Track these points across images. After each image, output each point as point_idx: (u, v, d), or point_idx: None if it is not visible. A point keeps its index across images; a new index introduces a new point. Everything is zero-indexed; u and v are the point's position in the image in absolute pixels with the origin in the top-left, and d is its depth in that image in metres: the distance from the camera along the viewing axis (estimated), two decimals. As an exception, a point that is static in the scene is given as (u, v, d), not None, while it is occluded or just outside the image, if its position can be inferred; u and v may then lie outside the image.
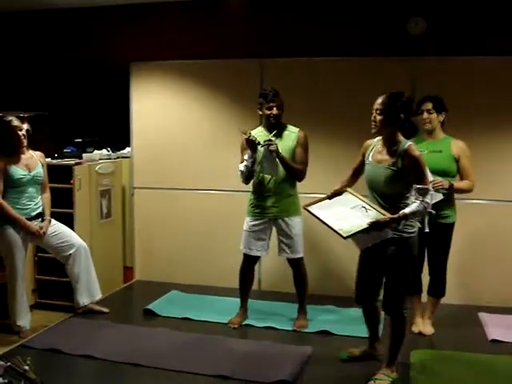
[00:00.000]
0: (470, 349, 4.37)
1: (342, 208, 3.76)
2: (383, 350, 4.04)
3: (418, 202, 3.53)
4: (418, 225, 3.78)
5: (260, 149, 4.58)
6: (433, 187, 4.24)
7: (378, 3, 5.40)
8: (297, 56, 5.57)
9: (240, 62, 5.72)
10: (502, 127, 5.27)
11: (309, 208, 3.88)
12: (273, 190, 4.66)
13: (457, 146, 4.52)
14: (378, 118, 3.61)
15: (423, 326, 4.71)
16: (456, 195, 4.57)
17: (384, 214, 3.55)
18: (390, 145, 3.66)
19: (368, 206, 3.67)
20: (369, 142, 3.88)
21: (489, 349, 4.40)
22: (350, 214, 3.69)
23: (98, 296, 5.11)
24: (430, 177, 4.28)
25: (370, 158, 3.76)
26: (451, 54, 5.26)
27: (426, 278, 4.70)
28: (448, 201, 4.47)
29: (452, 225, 4.57)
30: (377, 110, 3.61)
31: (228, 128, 5.74)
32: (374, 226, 3.51)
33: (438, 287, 4.67)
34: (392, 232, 3.60)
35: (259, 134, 4.73)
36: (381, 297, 3.90)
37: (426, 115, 4.50)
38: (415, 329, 4.71)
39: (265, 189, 4.68)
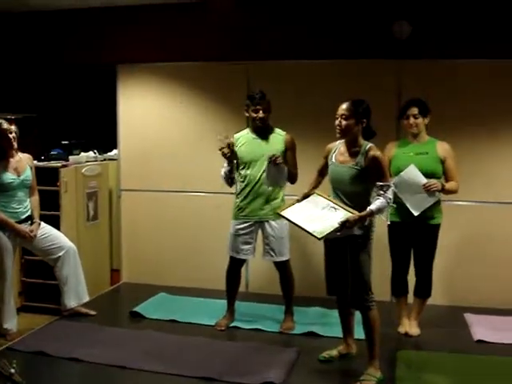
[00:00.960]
0: (455, 349, 4.40)
1: (313, 210, 3.87)
2: (359, 347, 4.17)
3: (382, 198, 3.74)
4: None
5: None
6: (428, 189, 4.37)
7: (363, 7, 5.43)
8: (283, 59, 5.58)
9: (227, 64, 5.73)
10: (488, 129, 5.31)
11: (282, 213, 4.00)
12: (259, 192, 4.67)
13: (442, 148, 4.56)
14: (344, 123, 3.83)
15: (409, 326, 4.72)
16: (442, 197, 4.60)
17: (352, 213, 3.71)
18: (352, 147, 3.88)
19: (336, 206, 3.81)
20: (330, 145, 4.09)
21: (474, 349, 4.43)
22: (321, 215, 3.81)
23: (86, 299, 5.09)
24: (424, 179, 4.35)
25: (334, 160, 3.96)
26: (436, 57, 5.30)
27: (412, 279, 4.72)
28: (435, 202, 4.51)
29: (438, 226, 4.60)
30: (342, 115, 3.83)
31: (215, 130, 5.69)
32: (345, 224, 3.67)
33: (424, 288, 4.69)
34: (358, 229, 3.79)
35: (245, 136, 4.76)
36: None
37: (412, 120, 4.54)
38: (401, 329, 4.73)
39: (251, 191, 4.69)
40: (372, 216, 3.76)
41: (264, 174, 4.60)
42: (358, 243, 3.81)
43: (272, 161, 4.52)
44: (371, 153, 3.78)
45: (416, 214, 4.44)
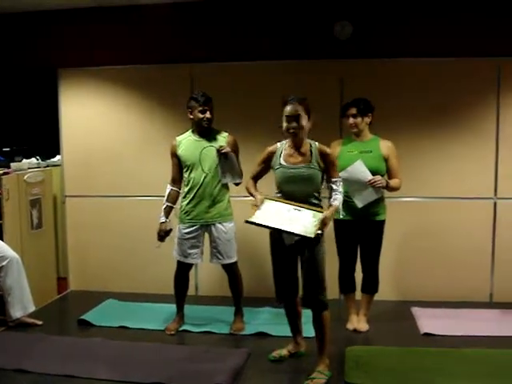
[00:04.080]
0: (403, 343, 4.49)
1: (280, 213, 3.79)
2: (308, 345, 4.23)
3: (338, 193, 3.86)
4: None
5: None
6: (373, 185, 4.47)
7: (305, 7, 5.47)
8: (227, 60, 5.59)
9: (169, 67, 5.70)
10: (428, 127, 5.44)
11: (253, 220, 3.81)
12: (204, 195, 4.65)
13: (386, 146, 4.64)
14: (303, 122, 3.83)
15: (358, 322, 4.80)
16: (386, 193, 4.69)
17: (319, 211, 3.77)
18: (302, 146, 3.90)
19: (298, 207, 3.80)
20: (271, 148, 4.04)
21: (421, 342, 4.53)
22: (290, 217, 3.76)
23: (32, 308, 5.00)
24: (369, 175, 4.42)
25: (283, 162, 3.92)
26: (377, 57, 5.40)
27: (359, 276, 4.80)
28: (379, 199, 4.59)
29: (383, 222, 4.69)
30: (298, 116, 3.81)
31: (159, 133, 5.72)
32: (324, 222, 3.73)
33: (371, 284, 4.77)
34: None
35: (188, 138, 4.73)
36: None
37: (351, 120, 4.61)
38: (350, 326, 4.80)
39: (195, 195, 4.67)
40: (337, 212, 3.90)
41: (218, 169, 4.63)
42: (313, 242, 3.80)
43: (219, 151, 4.54)
44: (325, 150, 3.89)
45: (360, 206, 4.52)
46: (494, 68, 5.34)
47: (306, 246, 3.84)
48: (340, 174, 4.40)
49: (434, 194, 5.49)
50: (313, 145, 3.90)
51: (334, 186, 3.88)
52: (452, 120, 5.42)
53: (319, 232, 3.71)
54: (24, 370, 4.04)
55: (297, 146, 3.91)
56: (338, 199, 3.86)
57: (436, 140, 5.45)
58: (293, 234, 3.74)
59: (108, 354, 4.31)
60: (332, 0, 5.43)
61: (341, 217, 4.21)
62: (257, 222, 3.81)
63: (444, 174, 5.47)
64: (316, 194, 3.89)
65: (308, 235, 3.68)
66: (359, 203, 4.51)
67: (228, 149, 4.57)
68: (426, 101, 5.40)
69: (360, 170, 4.48)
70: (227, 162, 4.59)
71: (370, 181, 4.46)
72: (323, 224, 3.72)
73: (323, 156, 3.86)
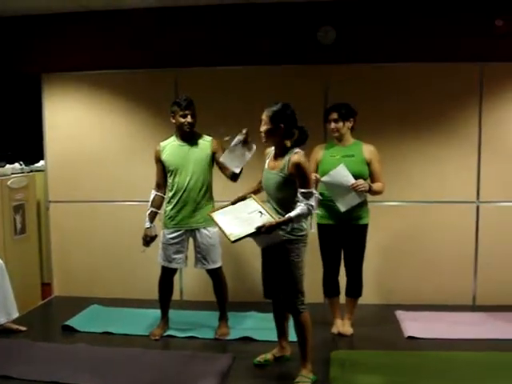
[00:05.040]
0: (388, 347, 4.52)
1: (242, 213, 3.91)
2: (293, 350, 4.20)
3: (303, 204, 3.71)
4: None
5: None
6: (356, 189, 4.46)
7: (289, 13, 5.50)
8: (212, 65, 5.60)
9: (154, 71, 5.71)
10: (411, 131, 5.48)
11: (212, 214, 4.05)
12: (187, 200, 4.65)
13: (368, 150, 4.66)
14: (263, 128, 3.85)
15: (342, 326, 4.81)
16: (369, 197, 4.71)
17: (274, 218, 3.73)
18: (280, 152, 3.90)
19: (264, 211, 3.83)
20: (268, 149, 4.11)
21: (405, 346, 4.56)
22: (245, 218, 3.84)
23: (15, 314, 4.96)
24: (352, 179, 4.43)
25: (266, 165, 4.00)
26: (360, 61, 5.44)
27: (343, 280, 4.82)
28: (362, 203, 4.61)
29: (366, 226, 4.70)
30: (261, 121, 3.86)
31: (144, 138, 5.70)
32: (261, 229, 3.67)
33: (355, 288, 4.79)
34: (283, 234, 3.78)
35: (171, 143, 4.73)
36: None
37: (333, 125, 4.63)
38: (334, 330, 4.81)
39: (179, 200, 4.66)
40: (291, 223, 3.74)
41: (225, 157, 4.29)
42: (285, 248, 3.81)
43: (246, 136, 4.12)
44: (293, 159, 3.74)
45: (343, 210, 4.53)
46: (476, 72, 5.40)
47: (278, 250, 3.83)
48: (322, 179, 4.44)
49: (417, 197, 5.53)
50: (289, 152, 3.83)
51: (302, 198, 3.71)
52: (435, 124, 5.46)
53: (239, 238, 3.69)
54: (8, 376, 4.02)
55: (276, 151, 3.95)
56: (296, 211, 3.70)
57: (419, 144, 5.49)
58: (222, 232, 3.83)
59: (92, 360, 4.29)
60: (315, 6, 5.46)
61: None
62: (211, 215, 4.05)
63: (427, 178, 5.51)
64: (289, 203, 3.78)
65: (229, 237, 3.73)
66: (342, 207, 4.53)
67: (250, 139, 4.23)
68: (409, 104, 5.45)
69: (343, 174, 4.50)
70: (245, 148, 4.17)
71: (352, 185, 4.48)
72: (258, 231, 3.67)
73: (290, 164, 3.75)
